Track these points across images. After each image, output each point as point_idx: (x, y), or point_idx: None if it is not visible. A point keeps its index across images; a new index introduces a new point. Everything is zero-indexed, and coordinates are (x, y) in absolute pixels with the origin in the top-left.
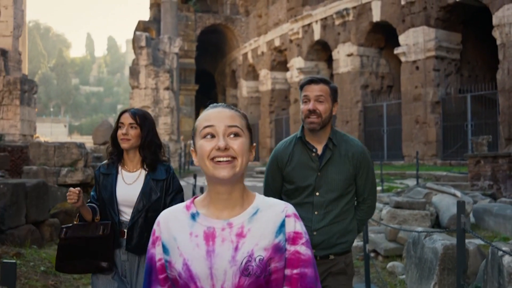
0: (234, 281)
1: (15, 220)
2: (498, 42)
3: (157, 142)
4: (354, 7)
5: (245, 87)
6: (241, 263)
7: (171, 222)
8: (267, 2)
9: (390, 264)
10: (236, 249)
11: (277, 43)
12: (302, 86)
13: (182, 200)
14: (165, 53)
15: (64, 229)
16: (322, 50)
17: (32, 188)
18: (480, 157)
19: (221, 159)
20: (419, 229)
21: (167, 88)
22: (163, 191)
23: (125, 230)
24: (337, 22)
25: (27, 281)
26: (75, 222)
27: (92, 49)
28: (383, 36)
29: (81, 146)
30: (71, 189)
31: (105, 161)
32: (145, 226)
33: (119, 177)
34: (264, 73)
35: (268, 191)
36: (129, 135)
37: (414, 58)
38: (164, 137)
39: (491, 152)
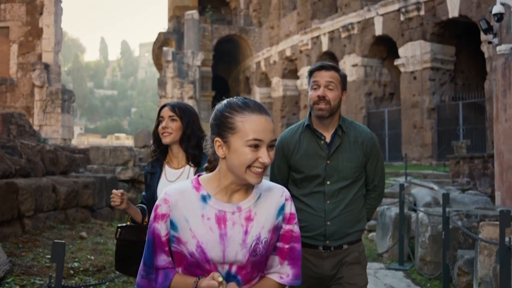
0: (243, 260)
1: (101, 203)
2: (486, 56)
3: (199, 134)
4: (359, 22)
5: (258, 93)
6: (251, 245)
7: (181, 202)
8: (278, 14)
9: (370, 234)
10: (246, 232)
11: (288, 53)
12: (311, 72)
13: None
14: (189, 66)
15: (119, 230)
16: (330, 60)
17: (108, 180)
18: (459, 158)
19: (259, 170)
20: (385, 205)
21: (190, 97)
22: None
23: None
24: (343, 35)
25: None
26: (128, 223)
27: (106, 53)
28: (385, 48)
29: (131, 149)
30: (114, 191)
31: (150, 161)
32: None
33: (162, 174)
34: (276, 80)
35: (274, 182)
36: (170, 128)
37: (412, 69)
38: None
39: (468, 154)
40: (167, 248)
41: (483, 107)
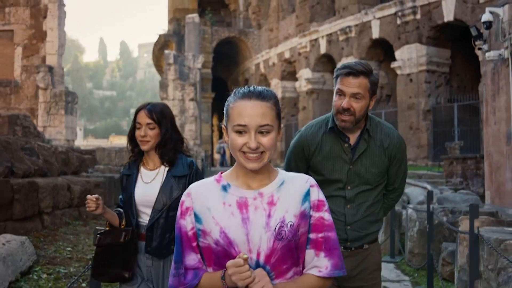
0: (269, 245)
1: (109, 202)
2: (480, 59)
3: (177, 137)
4: (356, 25)
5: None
6: (275, 228)
7: (203, 193)
8: (277, 17)
9: None
10: (269, 216)
11: (287, 55)
12: (337, 75)
13: None
14: (190, 69)
15: (98, 236)
16: (328, 63)
17: (116, 180)
18: (453, 158)
19: (251, 155)
20: None
21: (191, 99)
22: (185, 188)
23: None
24: (341, 38)
25: None
26: (106, 228)
27: (105, 54)
28: (382, 51)
29: None
30: (89, 196)
31: (127, 163)
32: (166, 226)
33: (139, 176)
34: (275, 82)
35: None
36: (148, 136)
37: (408, 71)
38: (189, 142)
39: (461, 155)
40: (194, 244)
41: (477, 109)
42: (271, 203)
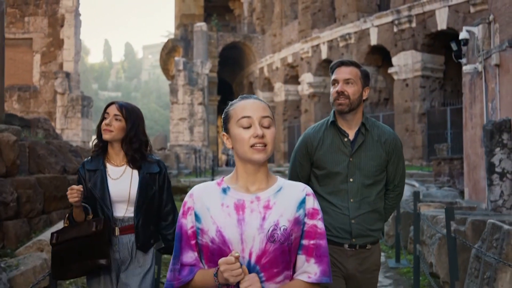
0: (261, 246)
1: None
2: None
3: (142, 138)
4: (355, 32)
5: (261, 97)
6: (268, 230)
7: (204, 194)
8: (281, 23)
9: None
10: (263, 218)
11: (289, 60)
12: (332, 69)
13: (171, 194)
14: (198, 74)
15: (55, 234)
16: (328, 68)
17: None
18: (441, 159)
19: (258, 145)
20: None
21: (200, 103)
22: (157, 185)
23: (115, 228)
24: (341, 44)
25: None
26: (65, 225)
27: (110, 55)
28: (380, 57)
29: None
30: (74, 186)
31: (88, 158)
32: (147, 222)
33: (107, 172)
34: (278, 85)
35: (295, 178)
36: (112, 126)
37: (404, 76)
38: (198, 144)
39: (449, 156)
40: (193, 242)
41: None
42: (267, 207)
